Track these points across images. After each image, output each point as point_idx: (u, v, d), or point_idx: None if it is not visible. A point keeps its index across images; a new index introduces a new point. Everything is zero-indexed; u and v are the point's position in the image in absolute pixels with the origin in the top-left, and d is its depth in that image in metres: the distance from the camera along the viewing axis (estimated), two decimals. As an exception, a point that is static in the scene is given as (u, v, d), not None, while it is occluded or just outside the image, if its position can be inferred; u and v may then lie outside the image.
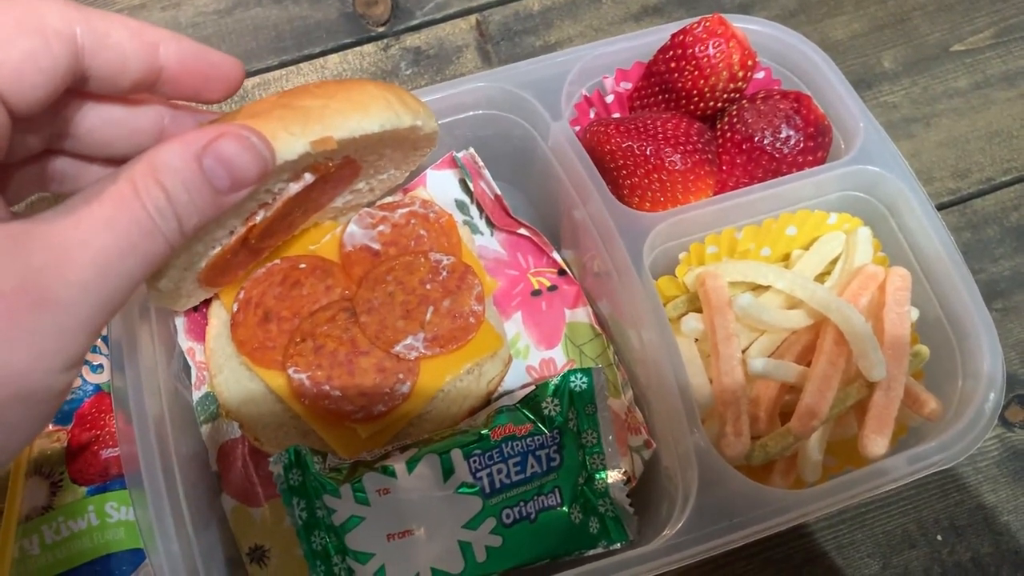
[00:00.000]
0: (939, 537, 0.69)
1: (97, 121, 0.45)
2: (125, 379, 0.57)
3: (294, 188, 0.52)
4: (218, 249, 0.53)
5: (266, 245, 0.60)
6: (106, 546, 0.58)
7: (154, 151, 0.38)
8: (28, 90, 0.38)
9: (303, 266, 0.64)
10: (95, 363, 0.64)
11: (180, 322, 0.65)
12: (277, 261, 0.64)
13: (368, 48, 0.89)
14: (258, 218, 0.52)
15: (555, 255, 0.71)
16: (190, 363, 0.65)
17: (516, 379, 0.67)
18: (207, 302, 0.65)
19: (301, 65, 0.88)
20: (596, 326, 0.68)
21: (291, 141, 0.46)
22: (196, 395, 0.65)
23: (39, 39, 0.37)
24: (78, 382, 0.63)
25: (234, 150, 0.39)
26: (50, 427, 0.61)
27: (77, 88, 0.42)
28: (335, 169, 0.54)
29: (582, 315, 0.69)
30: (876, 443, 0.58)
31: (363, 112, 0.50)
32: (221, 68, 0.45)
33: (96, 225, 0.36)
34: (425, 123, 0.55)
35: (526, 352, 0.68)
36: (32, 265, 0.34)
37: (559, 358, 0.68)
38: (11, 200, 0.43)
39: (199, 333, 0.65)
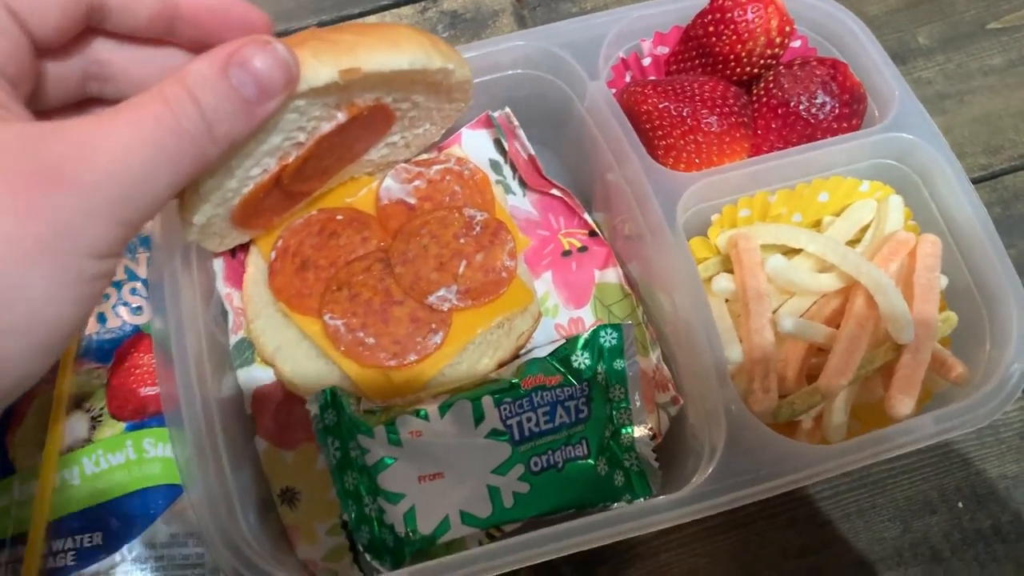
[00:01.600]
0: (960, 504, 0.70)
1: (127, 59, 0.47)
2: (166, 320, 0.59)
3: (326, 127, 0.53)
4: (251, 187, 0.54)
5: (299, 189, 0.61)
6: (143, 480, 0.59)
7: (184, 67, 0.39)
8: (43, 8, 0.39)
9: (340, 218, 0.65)
10: (134, 305, 0.66)
11: (219, 268, 0.66)
12: (314, 212, 0.65)
13: (405, 10, 0.90)
14: (291, 157, 0.53)
15: (586, 216, 0.72)
16: (227, 308, 0.66)
17: (545, 336, 0.68)
18: (245, 249, 0.67)
19: (339, 26, 0.89)
20: (626, 287, 0.69)
21: (319, 68, 0.47)
22: (232, 340, 0.66)
23: None
24: (117, 321, 0.65)
25: (259, 56, 0.40)
26: (92, 364, 0.63)
27: (98, 26, 0.44)
28: (367, 112, 0.55)
29: (612, 276, 0.70)
30: (903, 403, 0.58)
31: (394, 48, 0.52)
32: (239, 10, 0.46)
33: (120, 123, 0.37)
34: (457, 68, 0.56)
35: (555, 311, 0.69)
36: (53, 153, 0.35)
37: (587, 317, 0.69)
38: None
39: (237, 280, 0.66)
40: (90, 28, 0.44)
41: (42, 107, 0.45)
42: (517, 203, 0.73)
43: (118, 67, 0.47)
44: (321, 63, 0.48)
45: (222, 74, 0.39)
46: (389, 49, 0.51)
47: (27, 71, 0.41)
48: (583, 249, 0.71)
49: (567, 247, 0.71)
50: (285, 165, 0.53)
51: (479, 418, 0.58)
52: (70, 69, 0.46)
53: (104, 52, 0.46)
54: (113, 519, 0.58)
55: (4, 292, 0.34)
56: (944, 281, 0.64)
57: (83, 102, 0.48)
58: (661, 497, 0.55)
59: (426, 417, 0.57)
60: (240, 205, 0.56)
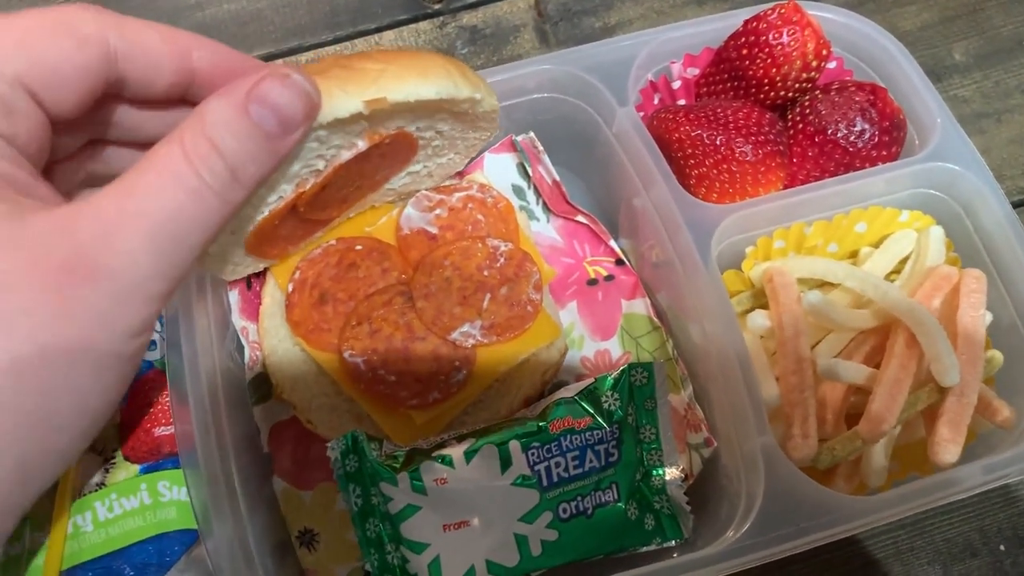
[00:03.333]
0: (1002, 547, 0.67)
1: (143, 119, 0.46)
2: (181, 357, 0.57)
3: (346, 155, 0.51)
4: (266, 213, 0.52)
5: (316, 217, 0.59)
6: (158, 526, 0.58)
7: (203, 105, 0.38)
8: (62, 90, 0.39)
9: (359, 248, 0.63)
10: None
11: (234, 301, 0.65)
12: (333, 242, 0.63)
13: (424, 25, 0.87)
14: (308, 184, 0.51)
15: (612, 244, 0.70)
16: (243, 342, 0.64)
17: (570, 369, 0.66)
18: (261, 281, 0.65)
19: (355, 41, 0.86)
20: (654, 318, 0.67)
21: (345, 99, 0.45)
22: (249, 375, 0.64)
23: (72, 42, 0.38)
24: (134, 358, 0.63)
25: (277, 90, 0.39)
26: (104, 403, 0.61)
27: (116, 93, 0.43)
28: (390, 141, 0.53)
29: (640, 307, 0.68)
30: (948, 450, 0.56)
31: (421, 77, 0.50)
32: (253, 70, 0.44)
33: (143, 194, 0.36)
34: (484, 98, 0.54)
35: (580, 343, 0.67)
36: (79, 241, 0.34)
37: (615, 350, 0.67)
38: (62, 186, 0.43)
39: (253, 312, 0.64)
40: (107, 95, 0.43)
41: (56, 158, 0.43)
42: (541, 229, 0.71)
43: (134, 124, 0.46)
44: (347, 94, 0.46)
45: (242, 113, 0.38)
46: (416, 78, 0.49)
47: (46, 145, 0.40)
48: (609, 278, 0.69)
49: (593, 275, 0.69)
50: (301, 192, 0.51)
51: (506, 464, 0.55)
52: (81, 131, 0.45)
53: (119, 113, 0.45)
54: (127, 567, 0.56)
55: (55, 393, 0.34)
56: (988, 318, 0.62)
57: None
58: (699, 552, 0.53)
59: (451, 464, 0.54)
60: (254, 232, 0.54)
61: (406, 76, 0.49)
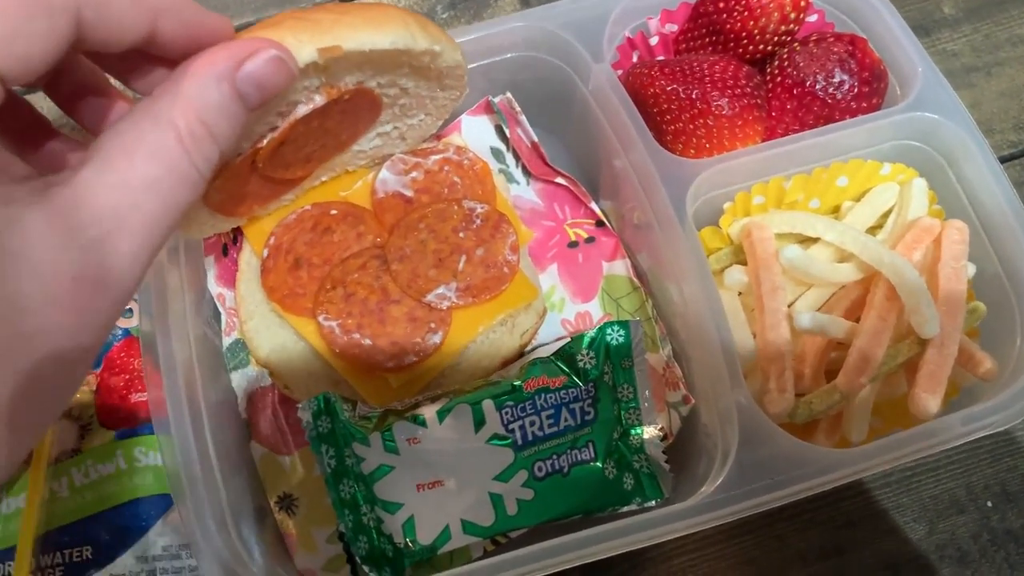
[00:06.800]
0: (989, 503, 0.67)
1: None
2: (153, 324, 0.56)
3: (303, 110, 0.50)
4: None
5: (280, 176, 0.57)
6: (134, 490, 0.58)
7: (188, 83, 0.37)
8: (28, 70, 0.36)
9: (334, 212, 0.63)
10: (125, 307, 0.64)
11: (210, 267, 0.64)
12: (308, 207, 0.63)
13: (404, -9, 0.87)
14: (265, 140, 0.51)
15: (593, 206, 0.69)
16: (220, 309, 0.64)
17: (551, 332, 0.65)
18: (238, 247, 0.64)
19: (319, 5, 0.85)
20: (634, 279, 0.66)
21: (298, 47, 0.44)
22: (226, 341, 0.64)
23: (46, 22, 0.35)
24: (107, 326, 0.63)
25: (271, 75, 0.39)
26: (79, 371, 0.61)
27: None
28: (349, 96, 0.52)
29: (620, 268, 0.67)
30: (928, 402, 0.55)
31: (376, 27, 0.48)
32: (213, 29, 0.43)
33: (143, 187, 0.35)
34: (446, 51, 0.53)
35: (561, 305, 0.67)
36: (88, 239, 0.33)
37: (595, 311, 0.66)
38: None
39: (229, 279, 0.64)
40: None
41: None
42: (521, 192, 0.70)
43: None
44: (300, 43, 0.45)
45: (234, 95, 0.37)
46: (371, 28, 0.48)
47: None
48: (590, 240, 0.68)
49: (573, 238, 0.68)
50: (259, 148, 0.51)
51: (479, 423, 0.55)
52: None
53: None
54: (103, 532, 0.56)
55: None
56: (972, 269, 0.61)
57: None
58: (671, 506, 0.52)
59: (424, 423, 0.54)
60: (216, 189, 0.53)
61: (361, 26, 0.48)
